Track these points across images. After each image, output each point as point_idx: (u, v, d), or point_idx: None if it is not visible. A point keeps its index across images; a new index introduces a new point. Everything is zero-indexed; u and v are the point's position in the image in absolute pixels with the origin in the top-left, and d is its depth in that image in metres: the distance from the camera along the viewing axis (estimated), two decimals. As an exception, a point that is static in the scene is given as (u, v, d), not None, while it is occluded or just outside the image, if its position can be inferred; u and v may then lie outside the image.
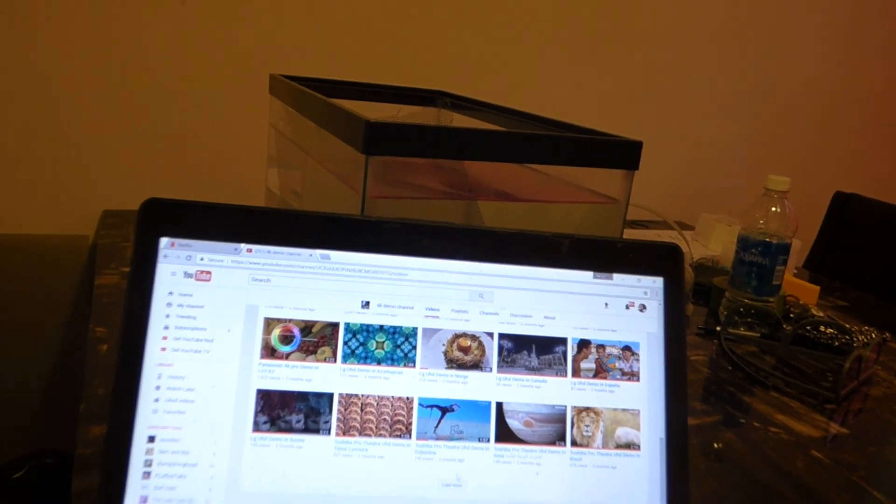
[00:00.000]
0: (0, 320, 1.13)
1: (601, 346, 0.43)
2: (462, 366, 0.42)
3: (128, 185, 1.20)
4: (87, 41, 1.12)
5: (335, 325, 0.41)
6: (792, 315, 1.01)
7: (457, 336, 0.42)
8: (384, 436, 0.40)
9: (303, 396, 0.40)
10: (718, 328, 0.94)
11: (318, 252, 0.41)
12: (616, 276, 0.44)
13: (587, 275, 0.44)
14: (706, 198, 1.71)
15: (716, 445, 0.67)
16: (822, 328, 0.94)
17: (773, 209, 0.94)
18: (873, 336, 0.94)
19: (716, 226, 1.35)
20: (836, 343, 0.92)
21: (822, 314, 1.01)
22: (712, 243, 1.34)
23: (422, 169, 0.57)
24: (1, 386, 1.14)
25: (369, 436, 0.40)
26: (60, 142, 1.15)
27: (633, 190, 0.62)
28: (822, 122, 1.81)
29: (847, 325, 0.94)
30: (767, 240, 0.93)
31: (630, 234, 1.35)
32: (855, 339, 0.92)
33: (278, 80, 0.82)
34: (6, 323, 1.14)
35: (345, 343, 0.41)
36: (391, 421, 0.40)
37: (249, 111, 1.21)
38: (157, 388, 0.38)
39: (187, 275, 0.40)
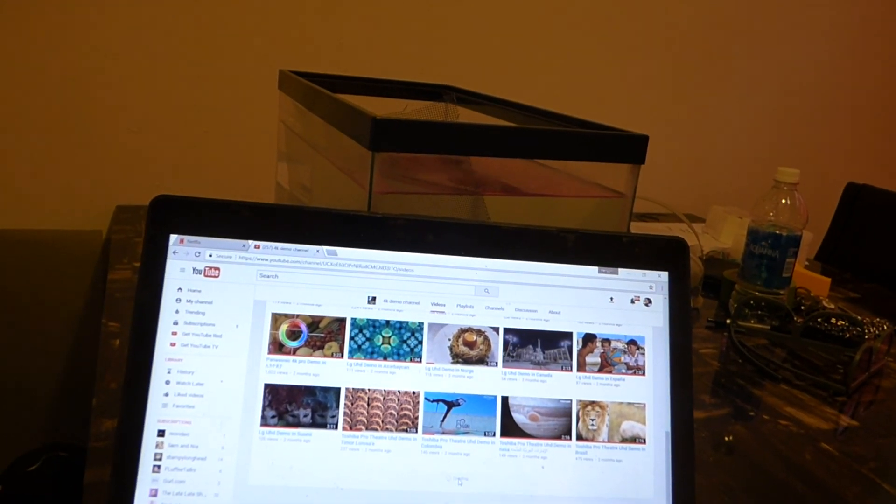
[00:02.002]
0: (15, 315, 1.15)
1: (606, 341, 0.44)
2: (468, 360, 0.42)
3: (141, 180, 1.21)
4: (99, 38, 1.13)
5: (342, 321, 0.41)
6: (803, 307, 1.00)
7: (462, 331, 0.42)
8: (390, 430, 0.40)
9: (310, 391, 0.40)
10: (728, 321, 0.94)
11: (325, 248, 0.42)
12: (621, 270, 0.44)
13: (592, 269, 0.44)
14: (718, 190, 1.70)
15: (727, 438, 0.67)
16: (832, 320, 0.94)
17: (783, 201, 0.93)
18: (885, 327, 0.93)
19: (727, 218, 1.34)
20: (847, 335, 0.92)
21: (832, 306, 1.01)
22: (723, 236, 1.34)
23: (428, 164, 0.57)
24: (16, 380, 1.16)
25: (376, 430, 0.40)
26: (74, 138, 1.16)
27: (644, 183, 0.61)
28: (836, 112, 1.79)
29: (858, 317, 0.93)
30: (777, 232, 0.93)
31: (640, 227, 1.35)
32: (866, 330, 0.91)
33: (287, 77, 0.82)
34: (21, 317, 1.15)
35: (351, 338, 0.41)
36: (397, 415, 0.41)
37: (261, 107, 1.22)
38: (167, 382, 0.39)
39: (196, 271, 0.41)
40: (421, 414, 0.41)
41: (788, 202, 0.93)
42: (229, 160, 1.24)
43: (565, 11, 1.42)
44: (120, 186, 1.20)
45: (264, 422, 0.40)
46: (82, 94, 1.14)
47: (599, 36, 1.47)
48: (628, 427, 0.43)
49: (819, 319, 0.94)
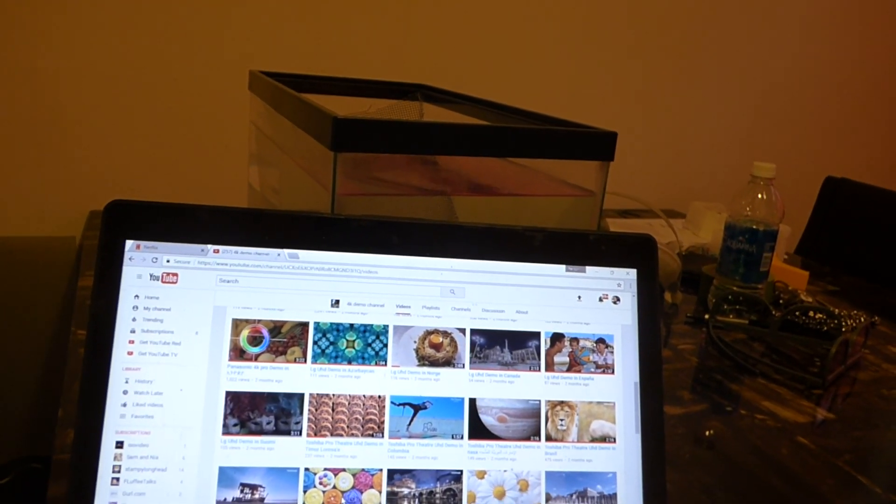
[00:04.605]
0: (-12, 324, 1.13)
1: (575, 340, 0.43)
2: (434, 363, 0.41)
3: (115, 184, 1.19)
4: (70, 41, 1.11)
5: (305, 325, 0.40)
6: (781, 301, 1.01)
7: (428, 333, 0.42)
8: (356, 435, 0.40)
9: (273, 397, 0.39)
10: (707, 316, 0.94)
11: (286, 251, 0.41)
12: (589, 268, 0.44)
13: (559, 268, 0.44)
14: (699, 185, 1.71)
15: (707, 433, 0.67)
16: (810, 313, 0.94)
17: (760, 196, 0.94)
18: (862, 320, 0.94)
19: (706, 213, 1.34)
20: (825, 328, 0.92)
21: (810, 299, 1.01)
22: (702, 231, 1.34)
23: (395, 164, 0.57)
24: (-10, 390, 1.14)
25: (341, 436, 0.40)
26: (46, 143, 1.14)
27: (625, 179, 0.61)
28: (815, 106, 1.80)
29: (835, 310, 0.93)
30: (754, 227, 0.93)
31: (620, 223, 1.35)
32: (843, 323, 0.92)
33: (257, 77, 0.81)
34: (-6, 327, 1.13)
35: (315, 343, 0.40)
36: (363, 420, 0.40)
37: (233, 108, 1.20)
38: (125, 392, 0.38)
39: (153, 277, 0.40)
40: (387, 418, 0.40)
41: (765, 197, 0.94)
42: (202, 163, 1.23)
43: (538, 9, 1.42)
44: (93, 191, 1.18)
45: (226, 430, 0.39)
46: (53, 99, 1.13)
47: (577, 34, 1.47)
48: (598, 426, 0.42)
49: (797, 313, 0.94)
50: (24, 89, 1.11)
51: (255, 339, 0.40)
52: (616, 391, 0.43)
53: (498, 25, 1.39)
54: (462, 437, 0.41)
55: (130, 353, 0.38)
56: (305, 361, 0.40)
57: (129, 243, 0.40)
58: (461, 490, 0.40)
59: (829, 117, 1.83)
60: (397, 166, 0.57)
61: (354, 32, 1.27)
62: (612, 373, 0.43)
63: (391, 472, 0.40)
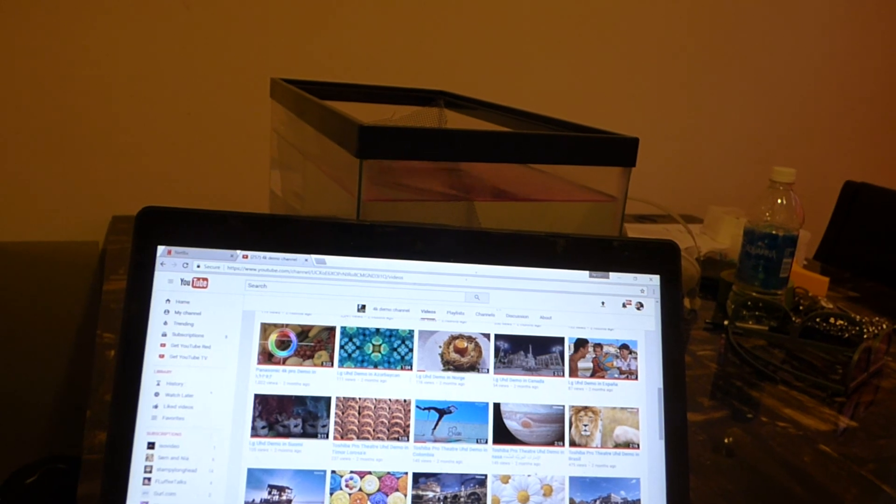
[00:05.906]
0: (12, 327, 1.15)
1: (598, 345, 0.43)
2: (459, 367, 0.42)
3: (137, 190, 1.21)
4: (93, 47, 1.13)
5: (331, 330, 0.41)
6: (801, 307, 1.00)
7: (453, 338, 0.42)
8: (382, 439, 0.40)
9: (300, 401, 0.40)
10: (726, 322, 0.94)
11: (314, 257, 0.42)
12: (612, 274, 0.44)
13: (583, 274, 0.44)
14: (717, 190, 1.70)
15: (726, 441, 0.67)
16: (831, 320, 0.93)
17: (779, 201, 0.93)
18: (884, 327, 0.93)
19: (724, 218, 1.34)
20: (846, 335, 0.92)
21: (831, 305, 1.00)
22: (720, 236, 1.33)
23: (418, 171, 0.57)
24: (14, 392, 1.16)
25: (367, 439, 0.40)
26: (68, 148, 1.16)
27: (642, 184, 0.61)
28: (834, 110, 1.79)
29: (857, 316, 0.93)
30: (774, 232, 0.93)
31: (637, 228, 1.35)
32: (865, 330, 0.91)
33: (278, 85, 0.82)
34: (18, 330, 1.15)
35: (341, 347, 0.41)
36: (389, 424, 0.40)
37: (255, 115, 1.22)
38: (157, 394, 0.39)
39: (184, 282, 0.40)
40: (412, 422, 0.41)
41: (784, 202, 0.93)
42: (224, 169, 1.24)
43: (558, 14, 1.42)
44: (116, 197, 1.20)
45: (255, 433, 0.39)
46: (77, 105, 1.14)
47: (596, 38, 1.47)
48: (621, 432, 0.42)
49: (817, 319, 0.93)
50: (47, 96, 1.13)
51: (282, 343, 0.41)
52: (640, 397, 0.43)
53: (517, 32, 1.39)
54: (486, 442, 0.41)
55: (162, 356, 0.39)
56: (332, 365, 0.41)
57: (160, 249, 0.40)
58: (485, 494, 0.40)
59: (848, 121, 1.82)
60: (421, 172, 0.57)
61: (375, 39, 1.28)
62: (636, 378, 0.43)
63: (416, 476, 0.40)
